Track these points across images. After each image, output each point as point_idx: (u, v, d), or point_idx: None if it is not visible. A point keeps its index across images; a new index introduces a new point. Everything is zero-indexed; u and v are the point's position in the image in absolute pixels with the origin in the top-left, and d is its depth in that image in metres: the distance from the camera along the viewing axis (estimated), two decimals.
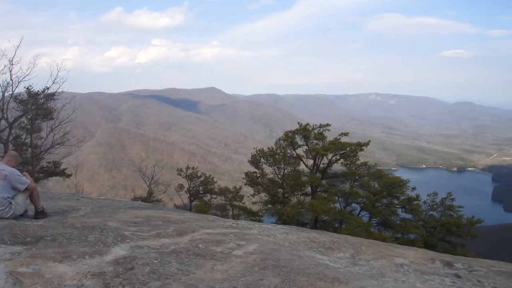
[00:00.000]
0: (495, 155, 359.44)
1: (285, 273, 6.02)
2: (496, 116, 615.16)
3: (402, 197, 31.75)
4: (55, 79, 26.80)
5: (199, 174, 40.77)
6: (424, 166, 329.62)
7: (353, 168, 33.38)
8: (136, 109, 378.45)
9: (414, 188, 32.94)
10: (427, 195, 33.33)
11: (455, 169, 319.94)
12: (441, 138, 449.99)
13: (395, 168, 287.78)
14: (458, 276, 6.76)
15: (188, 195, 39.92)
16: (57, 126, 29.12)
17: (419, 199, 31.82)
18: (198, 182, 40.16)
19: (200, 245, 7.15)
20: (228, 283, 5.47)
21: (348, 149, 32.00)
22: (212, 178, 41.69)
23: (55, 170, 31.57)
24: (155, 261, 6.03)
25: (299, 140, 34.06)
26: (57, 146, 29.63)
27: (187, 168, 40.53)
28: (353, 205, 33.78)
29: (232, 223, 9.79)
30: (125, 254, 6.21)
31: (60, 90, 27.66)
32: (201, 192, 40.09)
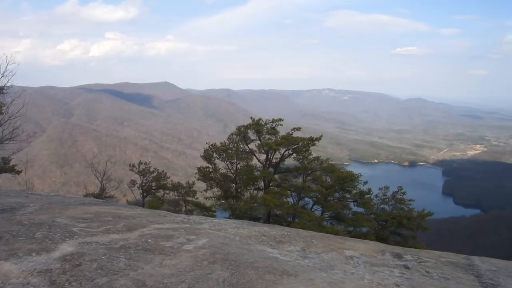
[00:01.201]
0: (445, 150, 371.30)
1: (234, 267, 6.12)
2: (447, 112, 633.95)
3: (354, 191, 32.21)
4: (4, 72, 25.73)
5: (151, 169, 40.26)
6: (376, 160, 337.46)
7: (306, 162, 33.66)
8: (89, 103, 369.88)
9: (366, 182, 33.31)
10: (379, 189, 33.77)
11: (406, 163, 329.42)
12: (393, 133, 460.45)
13: (347, 163, 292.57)
14: (407, 267, 7.00)
15: (140, 191, 39.43)
16: (6, 121, 28.03)
17: (371, 193, 32.35)
18: (151, 178, 39.70)
19: (150, 240, 7.17)
20: (176, 278, 5.53)
21: (300, 143, 32.36)
22: (165, 173, 41.30)
23: (5, 167, 30.74)
24: (103, 257, 6.02)
25: (251, 135, 34.05)
26: (6, 142, 28.52)
27: (140, 163, 39.91)
28: (306, 199, 34.09)
29: (184, 218, 9.81)
30: (73, 251, 6.17)
31: (9, 84, 26.61)
32: (154, 187, 39.63)
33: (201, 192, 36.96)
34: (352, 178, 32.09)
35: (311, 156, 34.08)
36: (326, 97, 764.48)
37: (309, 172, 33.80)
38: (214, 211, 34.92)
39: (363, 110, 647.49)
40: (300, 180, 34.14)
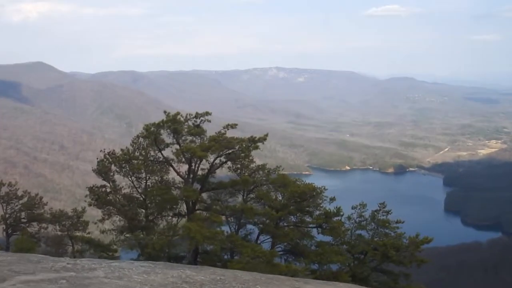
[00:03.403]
0: (446, 150, 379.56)
1: None
2: (445, 94, 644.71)
3: (318, 213, 32.52)
4: None
5: (20, 193, 39.32)
6: (347, 167, 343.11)
7: (246, 174, 33.93)
8: None
9: (333, 199, 33.57)
10: (353, 208, 34.27)
11: (391, 170, 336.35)
12: (371, 128, 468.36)
13: (307, 172, 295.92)
14: None
15: (3, 226, 38.34)
16: None
17: (341, 213, 32.53)
18: (19, 206, 38.84)
19: None
20: None
21: (237, 147, 32.60)
22: (41, 198, 40.52)
23: None
24: None
25: (167, 136, 33.92)
26: None
27: (1, 184, 38.95)
28: (249, 226, 34.43)
29: (68, 264, 9.59)
30: None
31: None
32: (23, 220, 38.81)
33: (96, 223, 36.52)
34: (313, 194, 32.29)
35: (253, 165, 34.53)
36: (274, 80, 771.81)
37: (252, 187, 34.07)
38: (116, 251, 34.49)
39: (326, 96, 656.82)
40: (240, 199, 34.48)
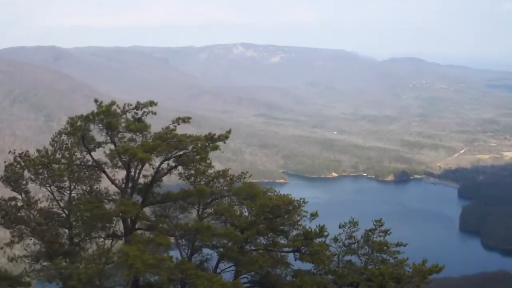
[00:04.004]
0: (462, 151, 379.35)
1: None
2: (463, 81, 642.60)
3: (295, 233, 32.79)
4: None
5: None
6: (334, 174, 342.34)
7: (202, 182, 34.15)
8: None
9: (315, 215, 33.41)
10: (340, 227, 34.18)
11: (390, 177, 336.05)
12: (365, 123, 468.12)
13: (282, 180, 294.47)
14: None
15: None
16: None
17: (325, 234, 32.66)
18: None
19: None
20: None
21: (191, 147, 32.63)
22: None
23: None
24: None
25: (98, 133, 33.67)
26: None
27: None
28: (205, 251, 34.56)
29: None
30: None
31: None
32: None
33: (2, 248, 36.12)
34: (289, 209, 32.50)
35: (211, 171, 34.67)
36: (240, 60, 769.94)
37: (210, 200, 34.26)
38: (29, 284, 34.15)
39: (310, 82, 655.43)
40: (194, 215, 34.51)
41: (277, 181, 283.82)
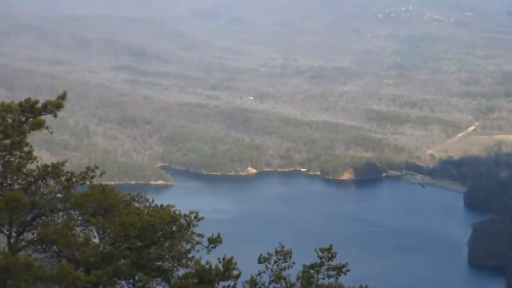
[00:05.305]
0: (471, 129, 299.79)
1: None
2: (470, 7, 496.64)
3: (182, 272, 26.19)
4: None
5: None
6: (251, 170, 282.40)
7: (15, 185, 27.14)
8: None
9: (215, 241, 26.26)
10: (261, 261, 25.67)
11: (348, 175, 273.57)
12: (302, 80, 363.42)
13: (160, 181, 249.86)
14: None
15: None
16: None
17: (234, 273, 25.83)
18: None
19: None
20: None
21: None
22: None
23: None
24: None
25: None
26: None
27: None
28: None
29: None
30: None
31: None
32: None
33: None
34: (171, 230, 26.02)
35: (32, 166, 27.35)
36: None
37: (31, 217, 27.42)
38: None
39: (202, 10, 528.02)
40: (1, 245, 27.17)
41: (152, 182, 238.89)
